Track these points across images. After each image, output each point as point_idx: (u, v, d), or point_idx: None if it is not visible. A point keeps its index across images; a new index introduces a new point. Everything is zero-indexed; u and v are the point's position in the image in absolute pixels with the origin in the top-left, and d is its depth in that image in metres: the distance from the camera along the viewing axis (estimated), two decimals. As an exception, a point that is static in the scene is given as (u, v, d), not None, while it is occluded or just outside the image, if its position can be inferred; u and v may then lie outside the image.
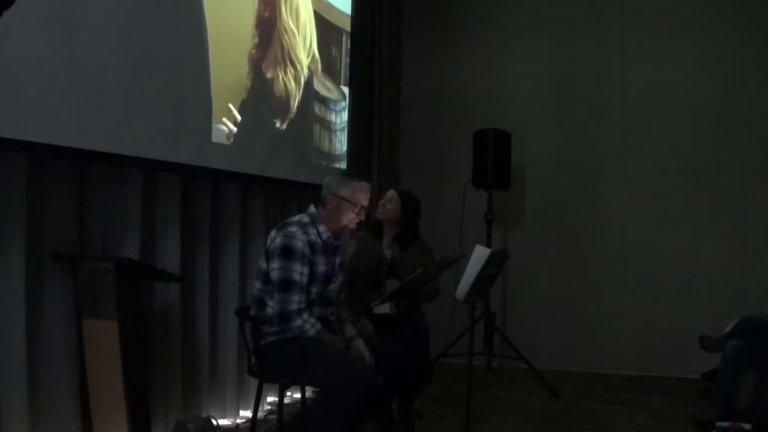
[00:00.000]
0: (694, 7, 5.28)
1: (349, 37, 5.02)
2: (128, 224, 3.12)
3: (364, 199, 2.94)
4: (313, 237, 2.89)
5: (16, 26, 2.48)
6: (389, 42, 5.64)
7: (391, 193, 3.71)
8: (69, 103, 2.76)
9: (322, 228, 2.93)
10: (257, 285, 2.92)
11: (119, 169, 3.08)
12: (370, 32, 5.35)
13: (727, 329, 3.86)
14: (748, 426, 3.40)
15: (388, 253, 3.66)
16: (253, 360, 2.96)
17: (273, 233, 2.90)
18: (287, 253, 2.80)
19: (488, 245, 4.54)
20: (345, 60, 4.99)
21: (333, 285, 2.99)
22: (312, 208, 2.99)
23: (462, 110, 5.75)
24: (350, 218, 2.94)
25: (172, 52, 3.31)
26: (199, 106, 3.53)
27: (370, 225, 3.79)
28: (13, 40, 2.49)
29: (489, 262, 3.16)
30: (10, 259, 2.59)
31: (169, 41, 3.29)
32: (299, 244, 2.81)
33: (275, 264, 2.81)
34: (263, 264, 2.89)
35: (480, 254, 3.16)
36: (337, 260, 3.02)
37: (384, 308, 3.48)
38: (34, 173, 2.69)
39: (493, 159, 5.05)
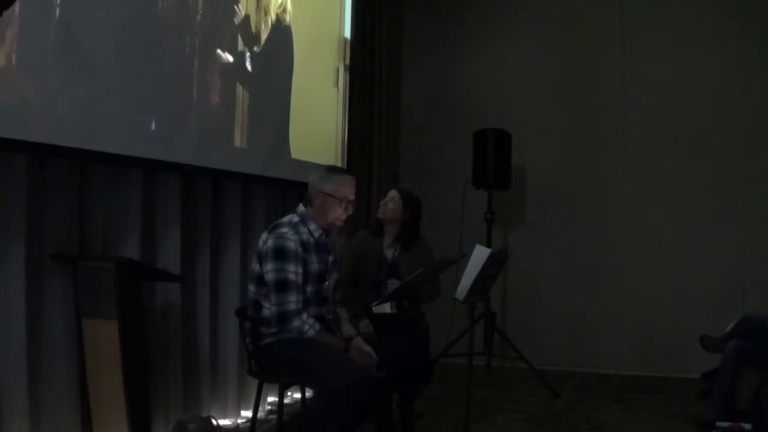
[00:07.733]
0: (694, 6, 5.27)
1: (349, 37, 5.01)
2: (128, 224, 3.12)
3: (349, 194, 2.94)
4: (304, 236, 2.89)
5: (16, 26, 2.47)
6: (389, 42, 5.63)
7: (392, 193, 3.70)
8: (69, 103, 2.75)
9: (312, 226, 2.93)
10: (252, 288, 2.92)
11: (119, 169, 3.07)
12: (370, 32, 5.35)
13: (727, 329, 3.86)
14: (748, 426, 3.40)
15: (389, 252, 3.66)
16: (253, 360, 2.96)
17: (264, 235, 2.90)
18: (280, 254, 2.80)
19: (488, 245, 4.54)
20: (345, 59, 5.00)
21: (327, 283, 2.98)
22: (301, 207, 2.98)
23: (462, 110, 5.74)
24: (337, 214, 2.93)
25: (174, 50, 3.30)
26: (201, 105, 3.52)
27: (371, 224, 3.78)
28: (13, 39, 2.49)
29: (489, 262, 3.15)
30: (10, 259, 2.59)
31: (170, 40, 3.28)
32: (292, 244, 2.81)
33: (269, 266, 2.81)
34: (256, 267, 2.89)
35: (480, 254, 3.15)
36: (330, 258, 3.02)
37: (384, 308, 3.48)
38: (34, 173, 2.68)
39: (493, 159, 5.05)
